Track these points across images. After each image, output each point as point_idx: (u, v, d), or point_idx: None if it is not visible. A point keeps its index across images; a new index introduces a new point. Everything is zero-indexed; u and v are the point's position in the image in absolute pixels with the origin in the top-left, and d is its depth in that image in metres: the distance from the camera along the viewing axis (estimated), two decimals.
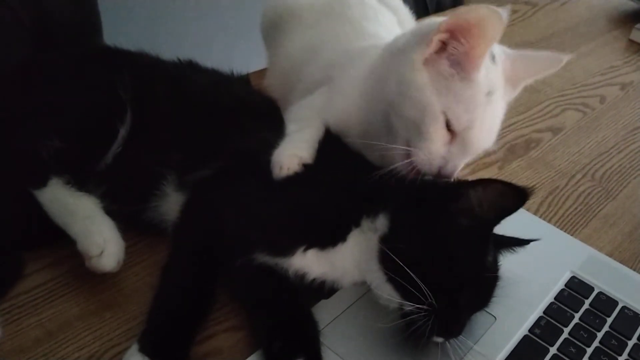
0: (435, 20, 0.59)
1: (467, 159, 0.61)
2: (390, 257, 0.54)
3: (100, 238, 0.56)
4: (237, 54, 0.90)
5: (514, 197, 0.54)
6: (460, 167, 0.60)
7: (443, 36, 0.56)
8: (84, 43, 0.94)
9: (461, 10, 0.54)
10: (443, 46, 0.57)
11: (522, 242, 0.61)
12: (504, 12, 0.53)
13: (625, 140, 1.00)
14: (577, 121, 1.03)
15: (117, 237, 0.58)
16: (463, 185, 0.56)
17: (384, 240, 0.56)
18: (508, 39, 0.57)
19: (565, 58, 0.63)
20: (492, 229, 0.56)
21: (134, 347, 0.51)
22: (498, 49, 0.61)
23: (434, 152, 0.57)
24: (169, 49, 0.75)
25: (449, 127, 0.57)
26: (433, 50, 0.57)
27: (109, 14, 1.01)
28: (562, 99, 1.09)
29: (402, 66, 0.59)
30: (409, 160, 0.58)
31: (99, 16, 0.98)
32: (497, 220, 0.55)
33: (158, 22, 1.46)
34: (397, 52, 0.61)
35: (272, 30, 0.85)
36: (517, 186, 0.53)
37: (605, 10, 1.51)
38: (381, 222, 0.57)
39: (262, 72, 0.89)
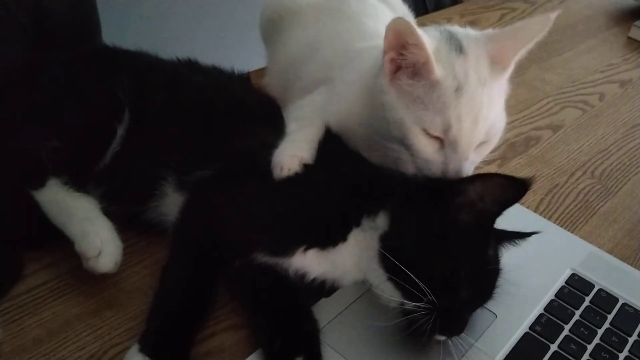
0: None
1: (476, 158, 0.60)
2: (390, 257, 0.54)
3: (98, 239, 0.56)
4: (238, 53, 0.90)
5: (514, 188, 0.54)
6: (467, 168, 0.59)
7: (390, 55, 0.58)
8: (82, 42, 0.93)
9: (386, 29, 0.56)
10: (398, 63, 0.58)
11: (523, 235, 0.61)
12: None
13: (625, 137, 1.00)
14: (577, 119, 1.03)
15: (115, 238, 0.58)
16: (462, 182, 0.56)
17: (384, 238, 0.56)
18: None
19: (554, 15, 0.62)
20: (493, 222, 0.57)
21: (135, 347, 0.51)
22: (469, 36, 0.60)
23: (430, 159, 0.58)
24: (168, 48, 0.75)
25: (431, 134, 0.57)
26: (389, 71, 0.58)
27: (107, 13, 1.01)
28: (562, 97, 1.09)
29: (376, 92, 0.60)
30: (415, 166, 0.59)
31: (98, 15, 0.98)
32: (499, 212, 0.56)
33: (157, 20, 1.45)
34: (373, 77, 0.62)
35: (271, 29, 0.85)
36: (516, 178, 0.54)
37: (604, 7, 1.51)
38: (381, 220, 0.57)
39: (262, 71, 0.89)
